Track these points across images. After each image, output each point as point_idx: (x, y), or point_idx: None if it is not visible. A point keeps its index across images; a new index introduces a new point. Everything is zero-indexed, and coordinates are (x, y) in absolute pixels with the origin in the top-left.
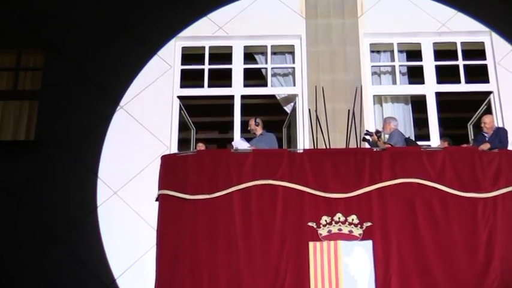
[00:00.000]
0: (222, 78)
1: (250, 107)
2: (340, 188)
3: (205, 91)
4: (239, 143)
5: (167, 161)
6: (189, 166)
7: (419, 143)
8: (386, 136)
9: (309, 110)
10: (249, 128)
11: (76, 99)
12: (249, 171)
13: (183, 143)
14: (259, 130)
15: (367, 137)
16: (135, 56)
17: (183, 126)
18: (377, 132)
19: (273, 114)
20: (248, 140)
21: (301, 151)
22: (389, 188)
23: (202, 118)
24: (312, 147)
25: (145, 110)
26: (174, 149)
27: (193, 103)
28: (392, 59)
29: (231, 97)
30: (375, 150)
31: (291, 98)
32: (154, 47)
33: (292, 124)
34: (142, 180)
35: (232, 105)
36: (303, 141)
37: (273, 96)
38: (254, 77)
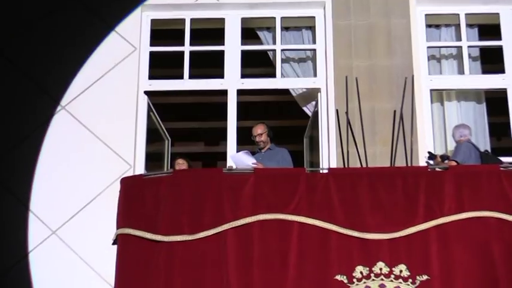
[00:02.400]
0: (210, 65)
1: (251, 107)
2: (383, 225)
3: (186, 84)
4: (239, 159)
5: (130, 186)
6: (162, 193)
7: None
8: None
9: (337, 111)
10: (255, 139)
11: None
12: (249, 201)
13: (153, 159)
14: (268, 143)
15: (430, 162)
16: (82, 33)
17: (153, 136)
18: (444, 157)
19: (285, 117)
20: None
21: (326, 171)
22: (454, 225)
23: (182, 124)
24: (342, 166)
25: (98, 112)
26: (139, 168)
27: (168, 102)
28: (459, 37)
29: (223, 93)
30: (432, 169)
31: (311, 95)
32: (111, 20)
33: (314, 132)
34: (93, 215)
35: (224, 105)
36: (328, 157)
37: (284, 92)
38: (257, 63)
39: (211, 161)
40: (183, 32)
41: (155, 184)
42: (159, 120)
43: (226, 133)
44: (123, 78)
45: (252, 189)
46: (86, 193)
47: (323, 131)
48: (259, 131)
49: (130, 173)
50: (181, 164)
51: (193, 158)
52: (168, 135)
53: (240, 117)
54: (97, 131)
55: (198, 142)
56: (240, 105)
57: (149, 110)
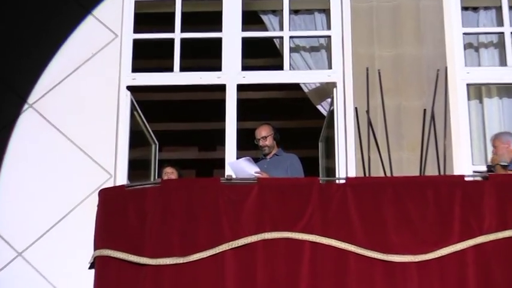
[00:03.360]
0: (205, 55)
1: (254, 105)
2: (410, 245)
3: (176, 78)
4: (239, 167)
5: (110, 199)
6: (148, 207)
7: None
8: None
9: (356, 109)
10: (258, 143)
11: None
12: (252, 217)
13: (137, 167)
14: (274, 148)
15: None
16: (52, 18)
17: (137, 139)
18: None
19: (295, 117)
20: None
21: (343, 181)
22: (495, 245)
23: (172, 125)
24: (362, 175)
25: (71, 111)
26: (121, 177)
27: (155, 99)
28: (500, 22)
29: (221, 88)
30: (469, 178)
31: (326, 90)
32: (87, 1)
33: (330, 135)
34: (65, 234)
35: (222, 103)
36: (346, 164)
37: (294, 88)
38: (260, 53)
39: (206, 169)
40: (172, 15)
41: (140, 197)
42: (144, 120)
43: (224, 136)
44: (101, 71)
45: (255, 202)
46: (57, 208)
47: (339, 133)
48: (264, 133)
49: (110, 184)
50: (170, 173)
51: (185, 165)
52: (155, 139)
53: (240, 117)
54: (71, 134)
55: (191, 147)
56: (241, 103)
57: (133, 108)
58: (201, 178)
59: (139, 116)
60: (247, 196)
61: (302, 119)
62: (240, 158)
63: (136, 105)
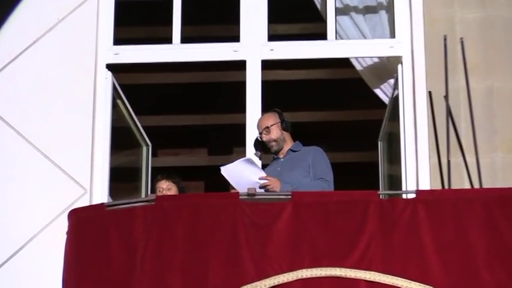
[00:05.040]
0: (216, 21)
1: (286, 89)
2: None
3: (176, 52)
4: (235, 172)
5: (84, 223)
6: (137, 234)
7: None
8: None
9: (429, 94)
10: (262, 139)
11: None
12: (284, 247)
13: (122, 178)
14: (287, 143)
15: None
16: None
17: (122, 140)
18: None
19: (344, 106)
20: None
21: (413, 195)
22: None
23: (170, 119)
24: (439, 186)
25: (29, 102)
26: (100, 193)
27: (147, 82)
28: None
29: (239, 66)
30: None
31: (388, 68)
32: None
33: (393, 131)
34: (23, 270)
35: (241, 87)
36: (417, 172)
37: (342, 64)
38: (294, 16)
39: (219, 180)
40: None
41: (126, 220)
42: (132, 113)
43: (244, 134)
44: (72, 43)
45: (288, 227)
46: (12, 236)
47: (407, 128)
48: (267, 122)
49: (85, 202)
50: (167, 190)
51: (189, 175)
52: (147, 139)
53: (266, 106)
54: (29, 133)
55: (198, 149)
56: (267, 87)
57: (116, 96)
58: (212, 193)
59: (125, 107)
60: (278, 218)
61: (353, 108)
62: (245, 159)
63: (121, 92)
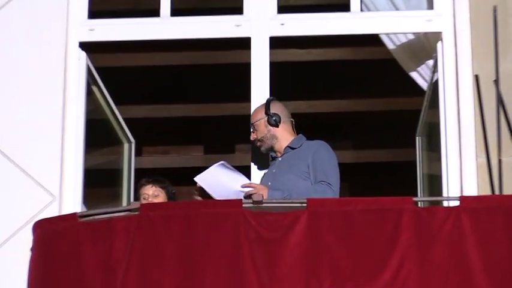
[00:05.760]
0: None
1: (296, 72)
2: None
3: (164, 28)
4: (212, 180)
5: (52, 238)
6: (117, 253)
7: None
8: None
9: (476, 78)
10: (253, 135)
11: None
12: (299, 265)
13: (99, 183)
14: (283, 139)
15: None
16: None
17: (99, 135)
18: None
19: (371, 93)
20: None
21: (456, 202)
22: None
23: (157, 109)
24: (488, 192)
25: None
26: (71, 200)
27: (129, 64)
28: None
29: (243, 44)
30: None
31: (425, 47)
32: None
33: (433, 121)
34: None
35: (244, 70)
36: (460, 173)
37: (369, 42)
38: None
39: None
40: None
41: (104, 234)
42: (111, 102)
43: (248, 128)
44: (36, 17)
45: (303, 241)
46: None
47: (448, 120)
48: (253, 118)
49: (53, 211)
50: (153, 197)
51: (181, 178)
52: (129, 134)
53: (276, 92)
54: None
55: (191, 146)
56: (277, 69)
57: (91, 81)
58: (209, 201)
59: (102, 95)
60: (290, 231)
61: (383, 96)
62: (217, 165)
63: (97, 76)
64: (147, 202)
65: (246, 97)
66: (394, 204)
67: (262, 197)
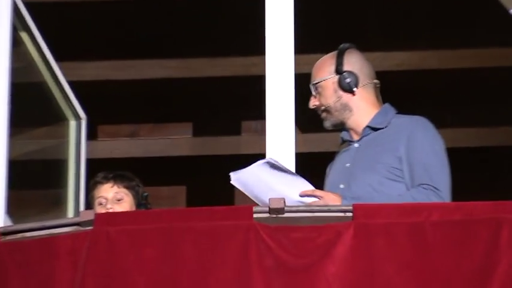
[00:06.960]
0: None
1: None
2: None
3: None
4: (254, 183)
5: None
6: (61, 285)
7: None
8: None
9: None
10: (313, 100)
11: None
12: None
13: (30, 181)
14: (360, 113)
15: None
16: None
17: (32, 109)
18: None
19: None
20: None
21: None
22: None
23: (119, 66)
24: None
25: None
26: None
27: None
28: None
29: None
30: None
31: None
32: None
33: None
34: None
35: (257, 20)
36: None
37: None
38: None
39: (214, 183)
40: None
41: (41, 259)
42: (49, 58)
43: (261, 96)
44: None
45: (348, 269)
46: None
47: None
48: (315, 75)
49: None
50: (115, 201)
51: (152, 175)
52: (79, 107)
53: (311, 40)
54: None
55: (173, 124)
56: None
57: (19, 25)
58: (203, 209)
59: (37, 46)
60: (328, 255)
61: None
62: (263, 162)
63: (29, 18)
64: (105, 210)
65: (258, 49)
66: (485, 212)
67: (283, 202)
